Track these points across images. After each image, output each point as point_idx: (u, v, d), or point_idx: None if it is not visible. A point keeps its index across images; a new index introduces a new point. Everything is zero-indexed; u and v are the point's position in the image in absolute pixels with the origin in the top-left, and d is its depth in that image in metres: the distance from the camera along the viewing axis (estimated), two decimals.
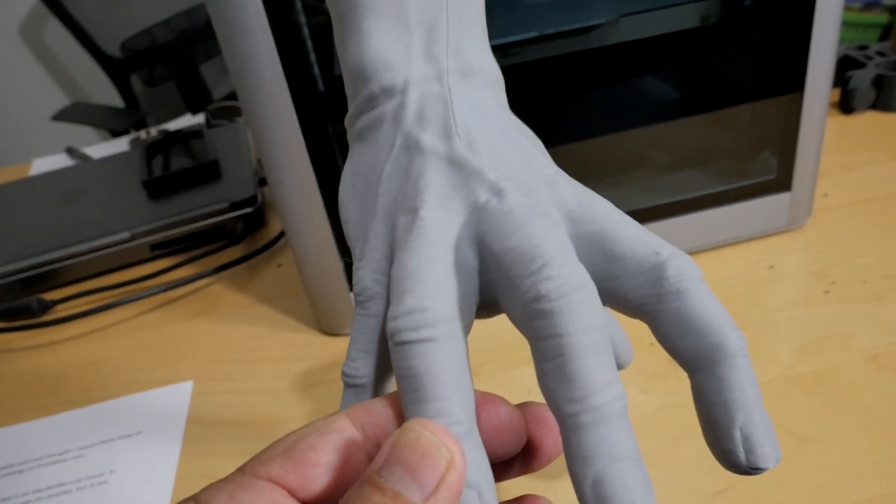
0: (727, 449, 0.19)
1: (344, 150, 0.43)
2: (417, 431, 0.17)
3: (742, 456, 0.19)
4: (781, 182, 0.48)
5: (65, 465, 0.41)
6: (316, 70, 0.40)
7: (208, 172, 0.65)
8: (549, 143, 0.47)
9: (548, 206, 0.21)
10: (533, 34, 0.42)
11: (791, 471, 0.33)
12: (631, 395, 0.39)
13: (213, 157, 0.66)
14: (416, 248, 0.21)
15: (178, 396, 0.44)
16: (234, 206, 0.60)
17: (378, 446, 0.19)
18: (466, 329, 0.21)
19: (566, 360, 0.18)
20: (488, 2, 0.40)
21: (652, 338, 0.42)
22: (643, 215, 0.47)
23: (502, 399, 0.20)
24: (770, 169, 0.48)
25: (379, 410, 0.19)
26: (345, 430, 0.19)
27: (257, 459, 0.19)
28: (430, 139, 0.22)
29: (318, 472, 0.18)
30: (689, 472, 0.34)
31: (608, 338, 0.18)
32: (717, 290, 0.46)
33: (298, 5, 0.38)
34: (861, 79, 0.65)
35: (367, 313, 0.22)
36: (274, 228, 0.62)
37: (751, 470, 0.19)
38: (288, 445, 0.18)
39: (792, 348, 0.40)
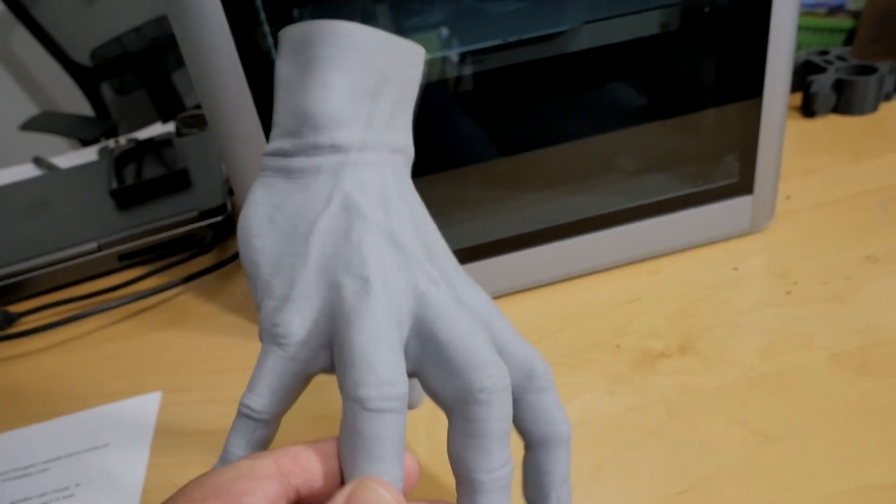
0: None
1: None
2: (377, 491, 0.20)
3: None
4: (744, 185, 0.49)
5: (30, 479, 0.40)
6: None
7: (178, 181, 0.64)
8: (516, 150, 0.48)
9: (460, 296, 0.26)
10: (497, 42, 0.43)
11: (752, 469, 0.34)
12: (597, 397, 0.39)
13: (182, 165, 0.66)
14: (373, 320, 0.23)
15: (145, 408, 0.44)
16: (204, 216, 0.60)
17: (298, 495, 0.21)
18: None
19: (487, 441, 0.22)
20: (452, 10, 0.41)
21: (618, 340, 0.43)
22: (610, 219, 0.48)
23: (413, 458, 0.23)
24: (732, 172, 0.49)
25: (305, 461, 0.21)
26: (273, 476, 0.20)
27: (188, 498, 0.19)
28: (370, 209, 0.25)
29: None
30: (653, 472, 0.35)
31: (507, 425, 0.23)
32: (682, 292, 0.47)
33: (262, 15, 0.38)
34: (822, 83, 0.67)
35: (287, 356, 0.24)
36: None
37: None
38: (219, 488, 0.19)
39: (754, 349, 0.41)
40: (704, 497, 0.33)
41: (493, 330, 0.25)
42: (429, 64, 0.42)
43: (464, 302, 0.25)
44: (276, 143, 0.26)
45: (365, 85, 0.25)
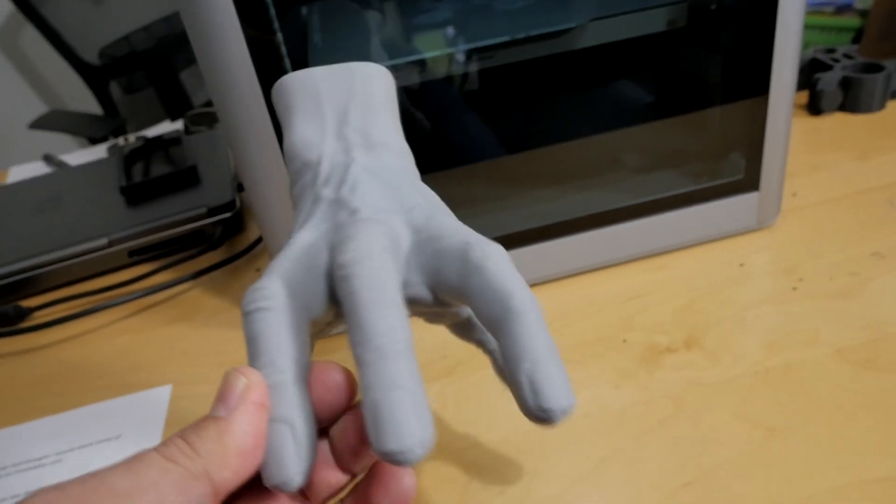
0: (517, 396, 0.22)
1: None
2: (229, 372, 0.23)
3: (529, 400, 0.21)
4: (750, 182, 0.49)
5: (43, 470, 0.41)
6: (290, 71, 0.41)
7: (187, 178, 0.65)
8: (522, 148, 0.48)
9: (394, 222, 0.27)
10: (505, 38, 0.43)
11: (757, 462, 0.34)
12: (603, 391, 0.40)
13: (191, 163, 0.66)
14: (280, 254, 0.26)
15: (156, 400, 0.45)
16: (213, 212, 0.61)
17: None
18: (307, 310, 0.25)
19: (357, 311, 0.22)
20: (460, 8, 0.41)
21: (624, 335, 0.43)
22: (616, 216, 0.48)
23: (337, 366, 0.24)
24: (738, 170, 0.49)
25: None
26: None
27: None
28: (327, 191, 0.28)
29: None
30: (658, 464, 0.35)
31: (397, 295, 0.23)
32: (688, 288, 0.47)
33: (272, 12, 0.38)
34: (828, 81, 0.67)
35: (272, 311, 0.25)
36: (253, 233, 0.63)
37: (541, 412, 0.21)
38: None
39: (760, 344, 0.41)
40: (708, 489, 0.33)
41: (432, 236, 0.26)
42: (435, 61, 0.43)
43: (406, 222, 0.27)
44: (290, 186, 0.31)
45: (326, 110, 0.30)
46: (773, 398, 0.38)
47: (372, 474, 0.24)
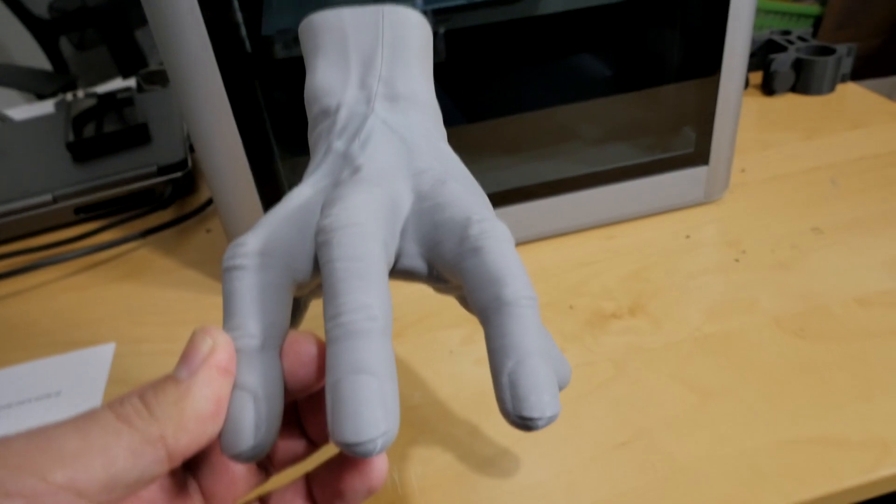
0: (497, 396, 0.19)
1: (271, 112, 0.43)
2: (196, 331, 0.20)
3: (508, 403, 0.19)
4: (699, 156, 0.50)
5: None
6: (243, 30, 0.40)
7: (136, 136, 0.63)
8: (482, 117, 0.48)
9: (397, 185, 0.25)
10: (462, 2, 0.43)
11: (692, 423, 0.35)
12: None
13: (142, 120, 0.65)
14: (274, 208, 0.24)
15: (99, 358, 0.44)
16: (163, 171, 0.59)
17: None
18: (294, 272, 0.22)
19: (331, 282, 0.20)
20: None
21: (572, 301, 0.44)
22: (569, 184, 0.49)
23: (312, 338, 0.22)
24: (689, 143, 0.50)
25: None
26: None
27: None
28: (339, 143, 0.26)
29: None
30: (595, 425, 0.36)
31: (378, 268, 0.21)
32: (636, 257, 0.48)
33: None
34: (782, 62, 0.68)
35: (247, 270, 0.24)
36: (204, 194, 0.62)
37: (519, 420, 0.18)
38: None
39: (700, 311, 0.42)
40: (644, 448, 0.34)
41: (435, 205, 0.24)
42: None
43: (412, 187, 0.25)
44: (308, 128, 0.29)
45: (351, 55, 0.28)
46: (710, 363, 0.39)
47: (343, 457, 0.23)
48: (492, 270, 0.21)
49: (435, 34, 0.43)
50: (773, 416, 0.35)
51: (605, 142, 0.51)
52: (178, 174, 0.60)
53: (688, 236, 0.49)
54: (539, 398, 0.19)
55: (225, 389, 0.20)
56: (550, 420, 0.19)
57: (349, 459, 0.22)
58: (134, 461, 0.18)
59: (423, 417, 0.37)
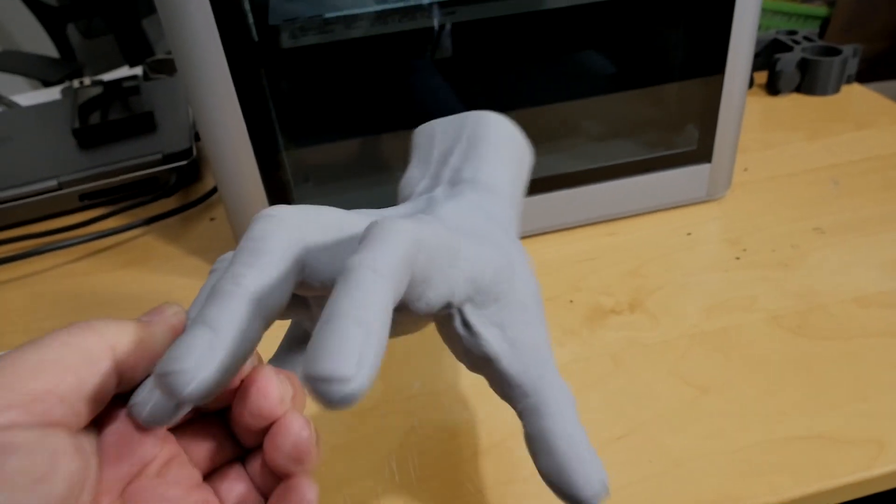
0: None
1: (277, 102, 0.43)
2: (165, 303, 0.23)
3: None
4: (702, 154, 0.50)
5: None
6: (250, 19, 0.40)
7: (142, 124, 0.64)
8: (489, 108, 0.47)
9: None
10: None
11: (687, 418, 0.36)
12: None
13: (148, 108, 0.65)
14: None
15: None
16: (168, 159, 0.60)
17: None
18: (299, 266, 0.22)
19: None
20: None
21: (572, 296, 0.44)
22: (572, 179, 0.49)
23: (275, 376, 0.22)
24: (692, 141, 0.50)
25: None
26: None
27: None
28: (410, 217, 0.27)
29: None
30: (594, 418, 0.36)
31: (277, 250, 0.21)
32: (637, 253, 0.48)
33: None
34: (787, 62, 0.68)
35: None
36: (209, 182, 0.62)
37: (309, 380, 0.17)
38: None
39: (699, 308, 0.43)
40: (641, 442, 0.35)
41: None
42: (402, 13, 0.42)
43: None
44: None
45: (434, 154, 0.31)
46: (708, 359, 0.39)
47: (273, 431, 0.22)
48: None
49: (441, 28, 0.44)
50: (768, 412, 0.36)
51: (609, 138, 0.51)
52: (184, 162, 0.60)
53: (689, 233, 0.50)
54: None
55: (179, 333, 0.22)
56: (353, 391, 0.17)
57: (274, 432, 0.22)
58: (89, 369, 0.20)
59: (421, 406, 0.38)
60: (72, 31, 1.35)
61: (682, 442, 0.34)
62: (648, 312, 0.43)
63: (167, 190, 0.58)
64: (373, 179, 0.49)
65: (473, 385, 0.39)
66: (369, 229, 0.20)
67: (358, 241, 0.22)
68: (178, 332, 0.22)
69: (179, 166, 0.60)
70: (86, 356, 0.20)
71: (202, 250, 0.53)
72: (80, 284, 0.51)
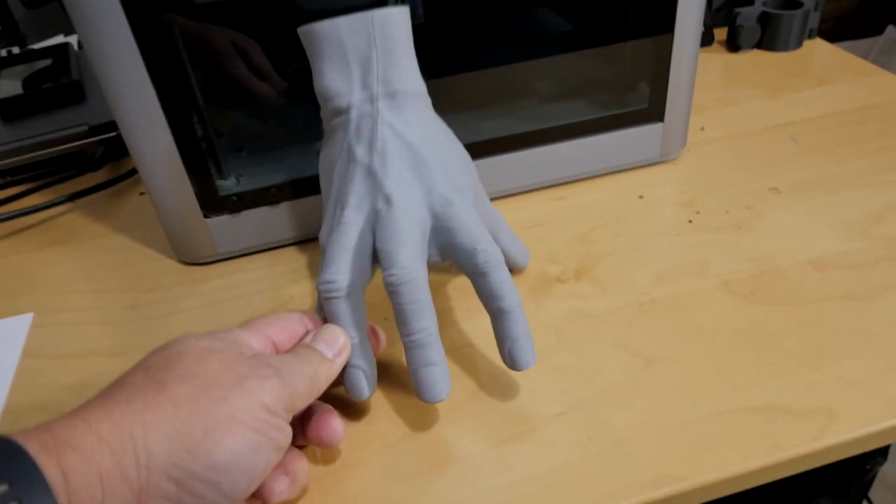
0: (502, 357, 0.33)
1: (191, 57, 0.39)
2: (331, 328, 0.32)
3: (508, 362, 0.33)
4: (654, 112, 0.48)
5: None
6: None
7: (69, 94, 0.60)
8: (435, 75, 0.45)
9: (418, 209, 0.34)
10: None
11: (632, 391, 0.34)
12: (487, 320, 0.38)
13: (76, 77, 0.61)
14: (336, 237, 0.33)
15: (14, 329, 0.41)
16: (95, 131, 0.56)
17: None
18: (363, 284, 0.33)
19: (401, 316, 0.31)
20: None
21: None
22: (522, 140, 0.46)
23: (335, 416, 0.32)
24: (644, 99, 0.47)
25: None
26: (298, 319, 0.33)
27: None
28: (360, 151, 0.34)
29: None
30: (532, 394, 0.34)
31: (427, 300, 0.32)
32: (586, 218, 0.46)
33: None
34: (747, 16, 0.66)
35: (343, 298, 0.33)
36: None
37: (513, 369, 0.33)
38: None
39: (649, 275, 0.41)
40: (581, 418, 0.33)
41: (449, 228, 0.33)
42: None
43: (427, 205, 0.34)
44: (322, 115, 0.37)
45: (351, 61, 0.34)
46: (656, 328, 0.37)
47: (312, 421, 0.31)
48: (494, 290, 0.32)
49: None
50: (717, 383, 0.34)
51: (561, 99, 0.48)
52: (112, 134, 0.56)
53: (641, 196, 0.47)
54: (524, 360, 0.32)
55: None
56: (528, 367, 0.33)
57: (315, 422, 0.31)
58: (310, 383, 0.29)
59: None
60: (14, 2, 1.29)
61: (626, 418, 0.33)
62: (596, 280, 0.40)
63: (93, 163, 0.55)
64: (307, 147, 0.46)
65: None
66: (482, 266, 0.33)
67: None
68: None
69: (107, 138, 0.56)
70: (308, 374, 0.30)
71: (130, 227, 0.50)
72: (0, 266, 0.47)
